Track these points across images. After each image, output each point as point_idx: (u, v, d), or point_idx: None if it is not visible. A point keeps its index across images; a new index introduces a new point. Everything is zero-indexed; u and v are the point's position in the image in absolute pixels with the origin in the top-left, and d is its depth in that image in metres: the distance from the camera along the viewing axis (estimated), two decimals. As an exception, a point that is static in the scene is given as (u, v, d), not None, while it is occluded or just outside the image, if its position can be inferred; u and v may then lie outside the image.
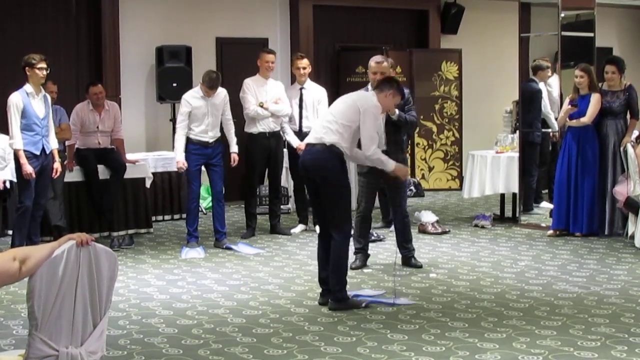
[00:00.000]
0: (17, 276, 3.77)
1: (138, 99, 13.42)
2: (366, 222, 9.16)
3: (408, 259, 9.22)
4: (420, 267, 9.12)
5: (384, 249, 10.08)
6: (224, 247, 10.25)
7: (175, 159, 10.37)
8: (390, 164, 7.73)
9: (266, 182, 11.48)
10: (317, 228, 10.90)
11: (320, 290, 7.70)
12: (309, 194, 7.92)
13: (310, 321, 7.05)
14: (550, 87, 12.24)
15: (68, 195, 10.73)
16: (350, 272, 8.07)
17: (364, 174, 8.94)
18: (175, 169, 12.09)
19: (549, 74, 12.23)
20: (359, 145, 7.64)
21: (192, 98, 10.27)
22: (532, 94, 11.84)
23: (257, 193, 11.63)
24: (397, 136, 9.06)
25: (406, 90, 9.56)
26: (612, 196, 10.49)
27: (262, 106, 10.81)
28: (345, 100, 7.73)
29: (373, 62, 9.06)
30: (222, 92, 10.46)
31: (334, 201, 7.44)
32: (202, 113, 10.21)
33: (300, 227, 11.33)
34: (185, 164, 10.18)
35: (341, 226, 7.48)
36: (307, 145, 7.71)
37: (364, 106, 7.52)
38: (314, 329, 6.84)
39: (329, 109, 7.96)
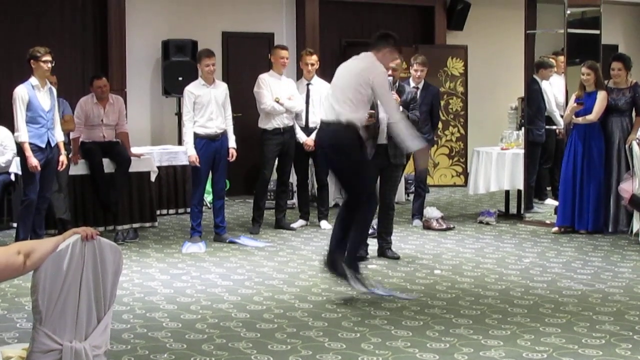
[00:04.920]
0: (21, 270, 3.77)
1: (144, 93, 13.42)
2: None
3: (384, 250, 9.40)
4: (398, 258, 9.27)
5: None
6: (227, 241, 10.25)
7: (187, 153, 10.19)
8: (415, 143, 7.79)
9: (273, 176, 11.47)
10: (322, 224, 11.04)
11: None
12: (323, 167, 8.11)
13: (314, 317, 7.05)
14: (552, 84, 12.20)
15: (73, 188, 10.73)
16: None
17: None
18: (180, 163, 12.13)
19: (552, 73, 12.18)
20: None
21: (195, 88, 10.23)
22: (529, 94, 11.82)
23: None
24: None
25: (412, 89, 9.60)
26: (617, 194, 10.48)
27: (277, 102, 10.81)
28: (352, 71, 7.70)
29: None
30: (223, 84, 10.45)
31: (356, 174, 7.59)
32: (206, 100, 10.13)
33: (301, 222, 11.34)
34: (198, 159, 10.12)
35: (365, 196, 7.65)
36: (322, 123, 7.75)
37: (373, 76, 7.53)
38: (318, 324, 6.83)
39: (336, 83, 7.82)
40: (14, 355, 4.00)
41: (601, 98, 10.46)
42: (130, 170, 11.00)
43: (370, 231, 9.72)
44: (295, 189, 12.00)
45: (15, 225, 10.41)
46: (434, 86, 11.50)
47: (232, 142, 10.35)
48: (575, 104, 10.56)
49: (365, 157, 7.88)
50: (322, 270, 7.87)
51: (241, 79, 12.44)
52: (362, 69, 7.64)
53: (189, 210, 11.10)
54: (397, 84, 9.08)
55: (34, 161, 9.30)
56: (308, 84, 11.21)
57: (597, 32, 11.26)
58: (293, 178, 11.73)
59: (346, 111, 7.48)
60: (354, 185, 7.66)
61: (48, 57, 9.33)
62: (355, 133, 7.53)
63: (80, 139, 10.92)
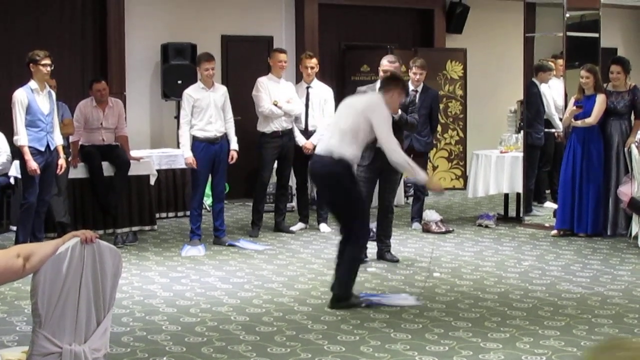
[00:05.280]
0: (20, 273, 3.77)
1: (143, 96, 13.42)
2: None
3: (384, 253, 9.42)
4: (397, 261, 9.27)
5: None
6: (227, 244, 10.26)
7: (184, 155, 10.25)
8: (422, 175, 7.89)
9: (272, 179, 11.48)
10: (322, 227, 11.05)
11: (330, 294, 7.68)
12: (318, 199, 8.01)
13: (313, 320, 7.05)
14: (550, 87, 12.22)
15: (72, 191, 10.73)
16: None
17: (364, 167, 8.90)
18: (180, 167, 12.13)
19: (551, 76, 12.18)
20: None
21: (194, 91, 10.24)
22: (528, 97, 11.82)
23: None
24: (398, 135, 9.15)
25: (411, 92, 9.63)
26: (615, 197, 10.48)
27: (276, 105, 10.81)
28: (353, 106, 7.73)
29: (385, 60, 9.35)
30: (222, 88, 10.46)
31: (348, 206, 7.53)
32: (205, 104, 10.15)
33: (300, 225, 11.34)
34: (195, 161, 10.13)
35: (357, 230, 7.56)
36: (316, 155, 7.72)
37: (373, 114, 7.54)
38: (318, 327, 6.84)
39: (336, 116, 7.96)
40: (13, 358, 4.01)
41: (600, 101, 10.47)
42: (130, 173, 11.00)
43: (370, 234, 9.75)
44: (294, 192, 12.02)
45: (14, 228, 10.41)
46: (433, 89, 11.51)
47: (233, 144, 10.36)
48: (574, 107, 10.57)
49: (357, 187, 7.76)
50: (331, 307, 7.50)
51: (240, 82, 12.41)
52: (364, 108, 7.63)
53: (188, 213, 11.11)
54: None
55: (33, 165, 9.31)
56: (308, 87, 11.23)
57: (596, 35, 11.27)
58: (292, 181, 11.74)
59: (340, 148, 7.45)
60: (348, 215, 7.56)
61: (47, 61, 9.34)
62: (346, 166, 7.47)
63: (80, 143, 10.92)
